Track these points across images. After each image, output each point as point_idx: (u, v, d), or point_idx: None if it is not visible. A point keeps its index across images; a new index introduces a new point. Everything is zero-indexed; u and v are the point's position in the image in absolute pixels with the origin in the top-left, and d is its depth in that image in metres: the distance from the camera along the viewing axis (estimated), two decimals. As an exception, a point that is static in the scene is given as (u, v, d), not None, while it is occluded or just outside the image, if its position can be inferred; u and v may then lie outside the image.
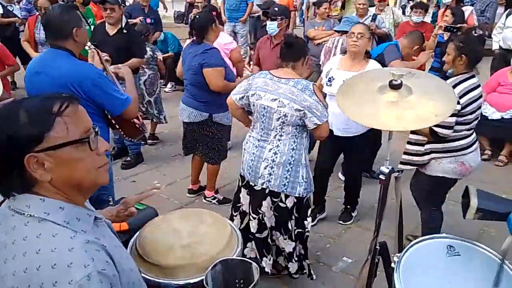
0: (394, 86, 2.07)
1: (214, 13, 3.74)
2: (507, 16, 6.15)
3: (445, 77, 2.97)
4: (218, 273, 1.82)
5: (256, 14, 8.14)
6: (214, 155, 3.85)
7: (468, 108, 2.75)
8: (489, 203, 1.90)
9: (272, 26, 4.26)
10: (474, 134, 2.96)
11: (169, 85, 7.68)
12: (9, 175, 1.05)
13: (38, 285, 0.96)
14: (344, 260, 3.29)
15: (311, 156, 2.90)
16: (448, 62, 2.88)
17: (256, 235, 2.89)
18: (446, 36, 5.24)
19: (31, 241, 1.01)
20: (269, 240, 2.91)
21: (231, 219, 3.03)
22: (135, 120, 2.79)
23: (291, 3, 8.64)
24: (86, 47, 2.71)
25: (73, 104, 1.09)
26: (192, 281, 1.83)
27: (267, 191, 2.76)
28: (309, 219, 2.85)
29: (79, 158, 1.08)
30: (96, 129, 1.13)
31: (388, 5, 6.93)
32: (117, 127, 2.67)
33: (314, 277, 2.99)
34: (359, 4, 6.09)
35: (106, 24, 4.47)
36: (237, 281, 1.86)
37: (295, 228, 2.83)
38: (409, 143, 2.98)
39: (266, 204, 2.79)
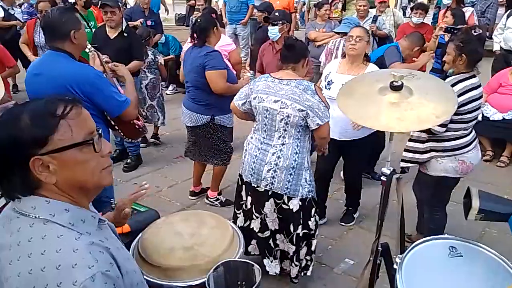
0: (395, 88, 2.07)
1: (213, 15, 3.75)
2: (507, 17, 6.14)
3: (446, 78, 2.98)
4: (220, 275, 1.82)
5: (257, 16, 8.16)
6: (220, 157, 3.85)
7: (465, 107, 2.74)
8: (491, 204, 1.90)
9: (273, 31, 4.28)
10: (473, 132, 2.96)
11: (170, 88, 7.70)
12: (14, 177, 1.05)
13: (43, 286, 0.97)
14: (346, 262, 3.29)
15: (312, 158, 2.91)
16: (448, 62, 2.89)
17: (259, 234, 2.91)
18: (447, 37, 5.24)
19: (36, 243, 1.02)
20: (270, 241, 2.92)
21: (235, 217, 3.05)
22: (136, 121, 2.80)
23: (292, 5, 8.65)
24: (87, 50, 2.72)
25: (77, 107, 1.10)
26: (194, 283, 1.84)
27: (270, 192, 2.78)
28: (313, 219, 2.85)
29: (83, 160, 1.09)
30: (100, 131, 1.14)
31: (388, 6, 6.93)
32: (117, 128, 2.69)
33: (309, 273, 2.97)
34: (360, 5, 6.10)
35: (107, 27, 4.49)
36: (239, 282, 1.86)
37: (303, 231, 2.82)
38: (410, 140, 2.99)
39: (269, 205, 2.81)
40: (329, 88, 3.41)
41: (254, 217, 2.90)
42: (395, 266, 1.96)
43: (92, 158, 1.10)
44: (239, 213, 3.03)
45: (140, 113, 2.92)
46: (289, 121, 2.65)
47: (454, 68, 2.89)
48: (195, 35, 3.60)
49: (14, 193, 1.08)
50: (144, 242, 2.00)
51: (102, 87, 2.47)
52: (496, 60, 6.24)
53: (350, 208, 3.85)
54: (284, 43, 2.87)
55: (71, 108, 1.08)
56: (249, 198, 2.90)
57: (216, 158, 3.86)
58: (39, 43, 5.21)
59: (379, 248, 2.25)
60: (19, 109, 1.07)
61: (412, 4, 9.65)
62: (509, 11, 6.36)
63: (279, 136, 2.71)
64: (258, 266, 1.84)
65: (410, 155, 2.97)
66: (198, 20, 3.68)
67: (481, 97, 2.86)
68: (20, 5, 8.53)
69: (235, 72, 4.20)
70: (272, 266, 2.95)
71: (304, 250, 2.89)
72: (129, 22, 5.66)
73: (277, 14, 4.48)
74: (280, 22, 4.28)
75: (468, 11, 6.52)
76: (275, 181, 2.73)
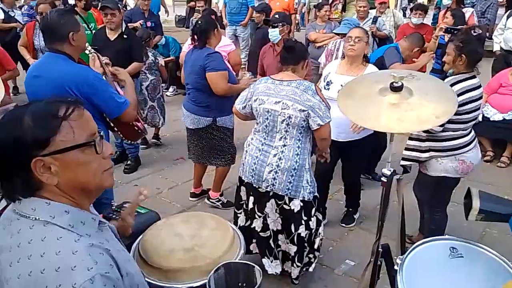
0: (395, 88, 2.07)
1: (213, 16, 3.76)
2: (507, 18, 6.15)
3: (446, 78, 2.98)
4: (221, 276, 1.82)
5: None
6: (224, 158, 3.84)
7: (463, 108, 2.73)
8: (491, 204, 1.89)
9: (274, 33, 4.28)
10: (473, 132, 2.96)
11: (170, 89, 7.71)
12: (16, 178, 1.06)
13: (43, 288, 0.96)
14: (347, 263, 3.29)
15: (312, 159, 2.91)
16: (448, 62, 2.89)
17: (260, 233, 2.92)
18: (447, 37, 5.24)
19: (36, 245, 1.02)
20: (271, 241, 2.92)
21: (235, 217, 3.06)
22: (136, 123, 2.80)
23: (292, 7, 8.66)
24: (87, 52, 2.73)
25: (79, 108, 1.10)
26: (194, 284, 1.83)
27: (271, 193, 2.78)
28: (313, 219, 2.86)
29: (85, 161, 1.09)
30: (101, 133, 1.14)
31: (388, 7, 6.94)
32: (116, 129, 2.69)
33: (311, 269, 2.97)
34: (360, 6, 6.10)
35: (107, 29, 4.50)
36: (239, 284, 1.85)
37: (306, 231, 2.83)
38: (410, 138, 2.99)
39: (270, 205, 2.82)
40: (328, 89, 3.42)
41: (256, 216, 2.91)
42: (395, 267, 1.96)
43: (93, 160, 1.10)
44: (240, 213, 3.04)
45: (140, 115, 2.93)
46: (291, 122, 2.65)
47: (454, 68, 2.89)
48: (195, 36, 3.61)
49: (15, 195, 1.08)
50: (144, 243, 2.00)
51: (101, 89, 2.48)
52: (496, 60, 6.25)
53: (350, 209, 3.85)
54: (284, 45, 2.89)
55: (73, 110, 1.08)
56: (251, 198, 2.91)
57: (219, 159, 3.86)
58: (39, 46, 5.18)
59: (380, 249, 2.25)
60: (21, 110, 1.07)
61: (412, 5, 9.65)
62: (509, 11, 6.36)
63: (281, 137, 2.72)
64: (258, 268, 1.84)
65: (410, 153, 2.97)
66: (199, 22, 3.69)
67: (481, 97, 2.85)
68: (20, 7, 8.54)
69: (234, 73, 4.21)
70: (272, 266, 2.95)
71: (307, 251, 2.89)
72: (128, 24, 5.66)
73: (277, 16, 4.50)
74: (280, 24, 4.29)
75: (468, 11, 6.53)
76: (276, 182, 2.73)
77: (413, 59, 4.57)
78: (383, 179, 2.19)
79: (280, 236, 2.90)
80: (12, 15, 7.35)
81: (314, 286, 3.04)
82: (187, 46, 4.93)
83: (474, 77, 2.85)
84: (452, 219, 3.19)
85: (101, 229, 1.16)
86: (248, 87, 2.96)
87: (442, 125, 2.74)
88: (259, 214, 2.89)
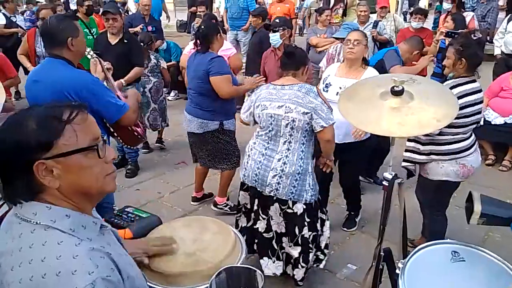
0: (396, 93, 2.08)
1: (213, 20, 3.77)
2: (508, 21, 6.16)
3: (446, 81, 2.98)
4: (222, 280, 1.81)
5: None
6: (230, 161, 3.83)
7: (462, 111, 2.70)
8: (493, 208, 1.89)
9: (274, 38, 4.30)
10: (473, 136, 2.95)
11: (172, 93, 7.73)
12: (17, 181, 1.06)
13: (44, 293, 0.97)
14: (349, 267, 3.28)
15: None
16: (448, 66, 2.89)
17: (264, 234, 2.93)
18: (447, 41, 5.25)
19: (37, 249, 1.02)
20: (274, 242, 2.93)
21: (236, 220, 3.07)
22: (135, 128, 2.80)
23: (292, 11, 8.68)
24: (89, 56, 2.75)
25: (83, 113, 1.11)
26: (196, 288, 1.83)
27: (274, 198, 2.79)
28: (317, 220, 2.86)
29: (87, 165, 1.09)
30: (104, 138, 1.15)
31: (389, 11, 6.96)
32: (116, 134, 2.70)
33: (321, 266, 2.99)
34: (360, 11, 6.13)
35: (108, 33, 4.52)
36: (241, 288, 1.85)
37: (310, 232, 2.83)
38: (408, 140, 2.99)
39: (274, 209, 2.83)
40: (327, 91, 3.43)
41: (260, 218, 2.92)
42: (397, 271, 1.95)
43: (96, 164, 1.11)
44: (239, 216, 3.06)
45: (141, 120, 2.93)
46: (295, 125, 2.66)
47: (454, 72, 2.89)
48: (198, 41, 3.62)
49: (16, 198, 1.09)
50: (146, 248, 1.99)
51: (99, 93, 2.48)
52: (497, 64, 6.26)
53: (352, 213, 3.84)
54: (284, 51, 2.92)
55: (77, 114, 1.09)
56: (256, 201, 2.91)
57: (225, 163, 3.84)
58: (41, 53, 5.12)
59: (382, 253, 2.24)
60: (23, 113, 1.08)
61: (412, 9, 9.68)
62: (509, 15, 6.38)
63: (285, 142, 2.73)
64: (260, 272, 1.84)
65: (409, 155, 2.98)
66: (202, 27, 3.70)
67: (481, 102, 2.85)
68: (22, 13, 8.58)
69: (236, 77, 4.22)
70: (273, 267, 2.95)
71: (313, 252, 2.89)
72: (129, 29, 5.68)
73: (277, 20, 4.52)
74: (281, 28, 4.30)
75: (468, 15, 6.54)
76: (280, 187, 2.73)
77: (413, 62, 4.58)
78: (384, 183, 2.19)
79: (284, 239, 2.90)
80: (14, 20, 7.39)
81: (316, 290, 3.04)
82: (188, 50, 4.96)
83: (474, 81, 2.84)
84: (454, 223, 3.18)
85: (103, 233, 1.16)
86: (254, 87, 2.99)
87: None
88: (263, 216, 2.90)
